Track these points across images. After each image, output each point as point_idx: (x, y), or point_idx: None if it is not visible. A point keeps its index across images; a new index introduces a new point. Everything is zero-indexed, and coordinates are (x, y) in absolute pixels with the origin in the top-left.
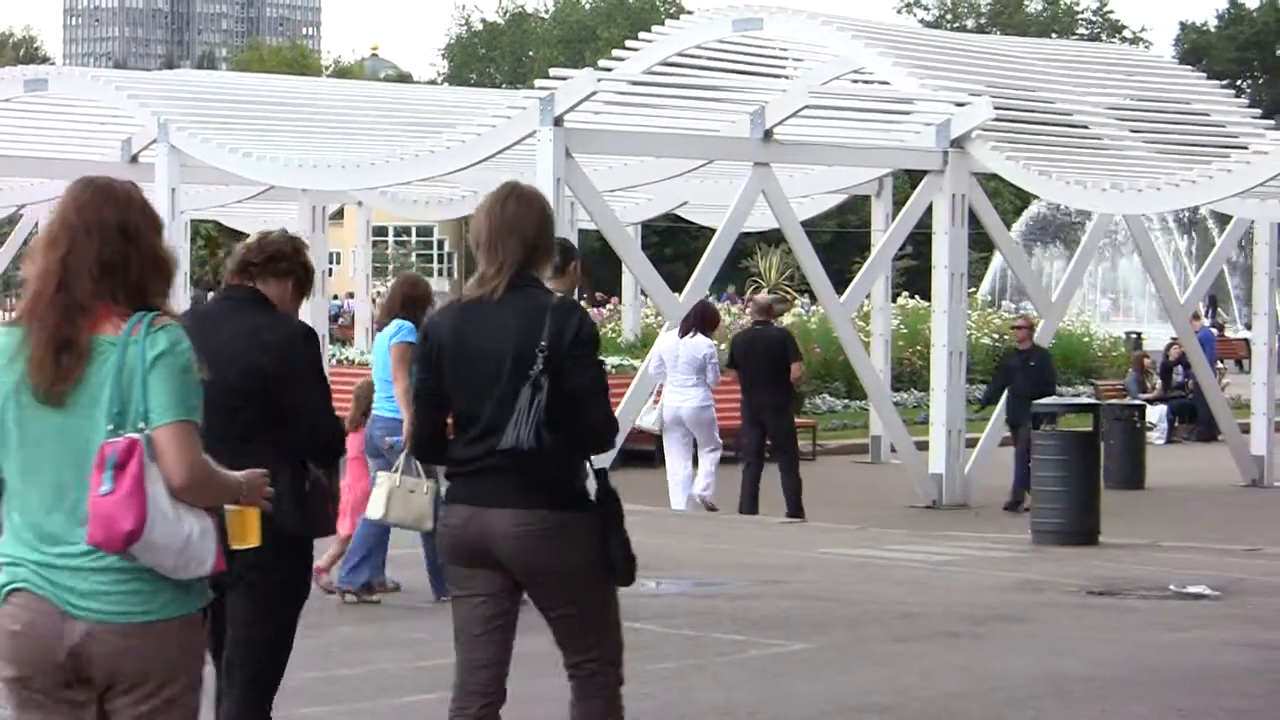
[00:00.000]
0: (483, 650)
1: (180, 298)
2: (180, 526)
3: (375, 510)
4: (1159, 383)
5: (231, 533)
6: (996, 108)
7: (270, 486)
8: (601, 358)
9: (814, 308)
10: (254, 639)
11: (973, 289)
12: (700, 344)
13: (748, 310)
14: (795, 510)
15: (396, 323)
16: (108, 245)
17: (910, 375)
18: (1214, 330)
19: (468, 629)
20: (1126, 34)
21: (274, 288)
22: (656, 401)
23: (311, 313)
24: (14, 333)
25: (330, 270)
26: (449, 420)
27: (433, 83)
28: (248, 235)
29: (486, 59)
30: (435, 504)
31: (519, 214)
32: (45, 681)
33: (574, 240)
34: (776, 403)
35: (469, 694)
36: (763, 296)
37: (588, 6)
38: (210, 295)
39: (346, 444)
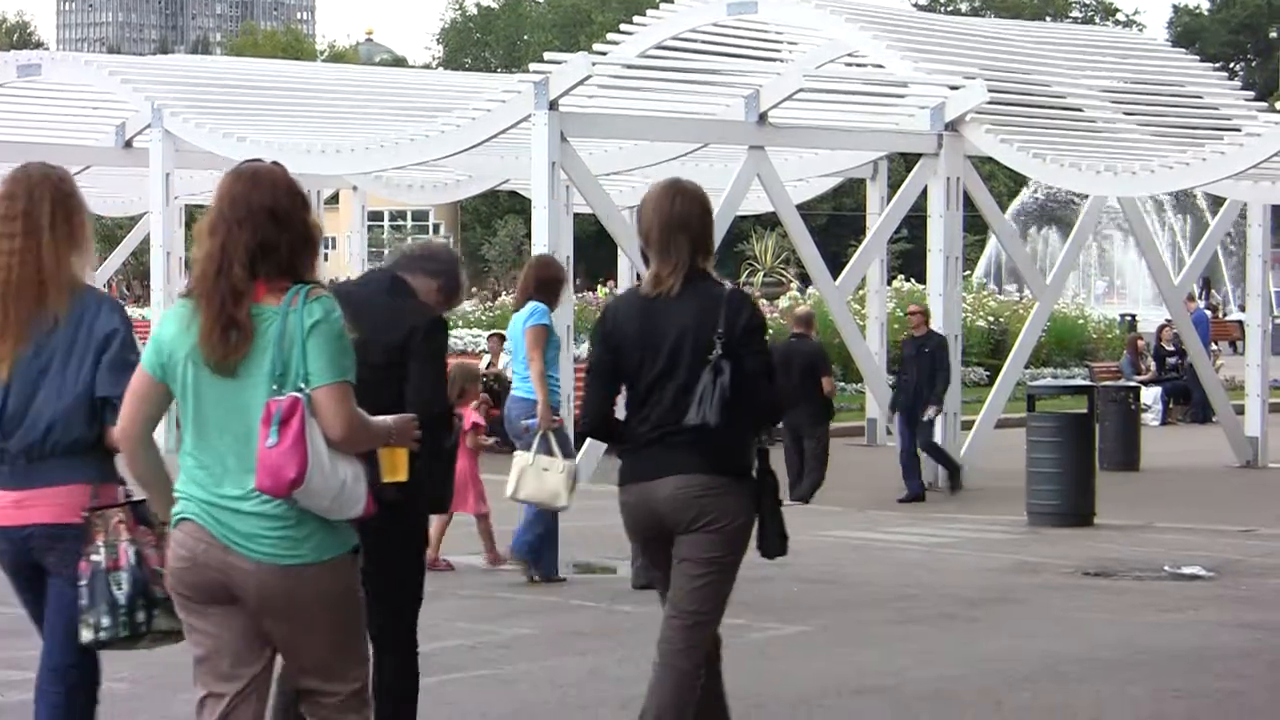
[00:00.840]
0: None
1: (176, 282)
2: (336, 474)
3: (508, 487)
4: (1153, 365)
5: (383, 467)
6: (991, 91)
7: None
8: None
9: (809, 291)
10: (394, 593)
11: (968, 272)
12: None
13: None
14: (804, 497)
15: (530, 305)
16: (259, 230)
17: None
18: (1208, 312)
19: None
20: (1120, 17)
21: (420, 282)
22: None
23: None
24: (187, 304)
25: (326, 256)
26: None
27: (427, 67)
28: None
29: (481, 43)
30: (572, 483)
31: (686, 210)
32: (202, 597)
33: (569, 224)
34: (813, 416)
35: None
36: (802, 309)
37: None
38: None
39: None
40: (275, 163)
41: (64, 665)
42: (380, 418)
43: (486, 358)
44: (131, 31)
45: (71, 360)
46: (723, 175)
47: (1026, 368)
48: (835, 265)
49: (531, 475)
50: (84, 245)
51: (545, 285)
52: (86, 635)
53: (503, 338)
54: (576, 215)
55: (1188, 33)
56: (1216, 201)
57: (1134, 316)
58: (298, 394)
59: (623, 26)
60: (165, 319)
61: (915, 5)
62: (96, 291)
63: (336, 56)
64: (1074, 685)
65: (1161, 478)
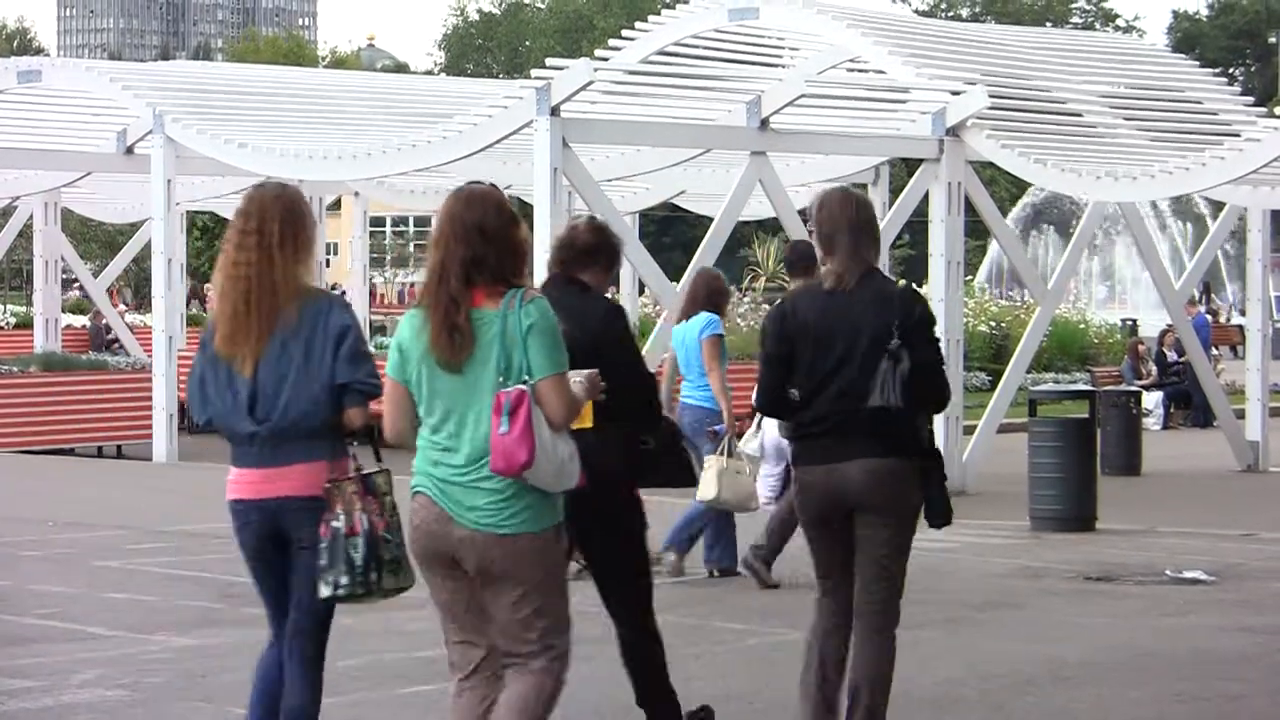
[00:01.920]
0: (846, 584)
1: (176, 288)
2: (557, 453)
3: (707, 492)
4: (1154, 369)
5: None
6: (991, 96)
7: (602, 444)
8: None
9: None
10: (621, 569)
11: (969, 277)
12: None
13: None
14: None
15: (705, 316)
16: (471, 246)
17: None
18: (1209, 317)
19: (827, 565)
20: (1120, 23)
21: (590, 274)
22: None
23: None
24: (419, 313)
25: (328, 261)
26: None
27: (429, 73)
28: None
29: (483, 49)
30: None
31: (867, 216)
32: (434, 562)
33: None
34: None
35: (835, 627)
36: None
37: None
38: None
39: None
40: (491, 185)
41: (310, 627)
42: (573, 383)
43: None
44: (132, 37)
45: (311, 354)
46: (724, 180)
47: (1028, 372)
48: None
49: (728, 480)
50: (313, 255)
51: (714, 296)
52: (325, 591)
53: None
54: None
55: (1187, 38)
56: (1217, 206)
57: (1135, 321)
58: (523, 386)
59: (624, 32)
60: (401, 326)
61: (916, 11)
62: (328, 294)
63: (338, 62)
64: (1076, 689)
65: (1163, 482)
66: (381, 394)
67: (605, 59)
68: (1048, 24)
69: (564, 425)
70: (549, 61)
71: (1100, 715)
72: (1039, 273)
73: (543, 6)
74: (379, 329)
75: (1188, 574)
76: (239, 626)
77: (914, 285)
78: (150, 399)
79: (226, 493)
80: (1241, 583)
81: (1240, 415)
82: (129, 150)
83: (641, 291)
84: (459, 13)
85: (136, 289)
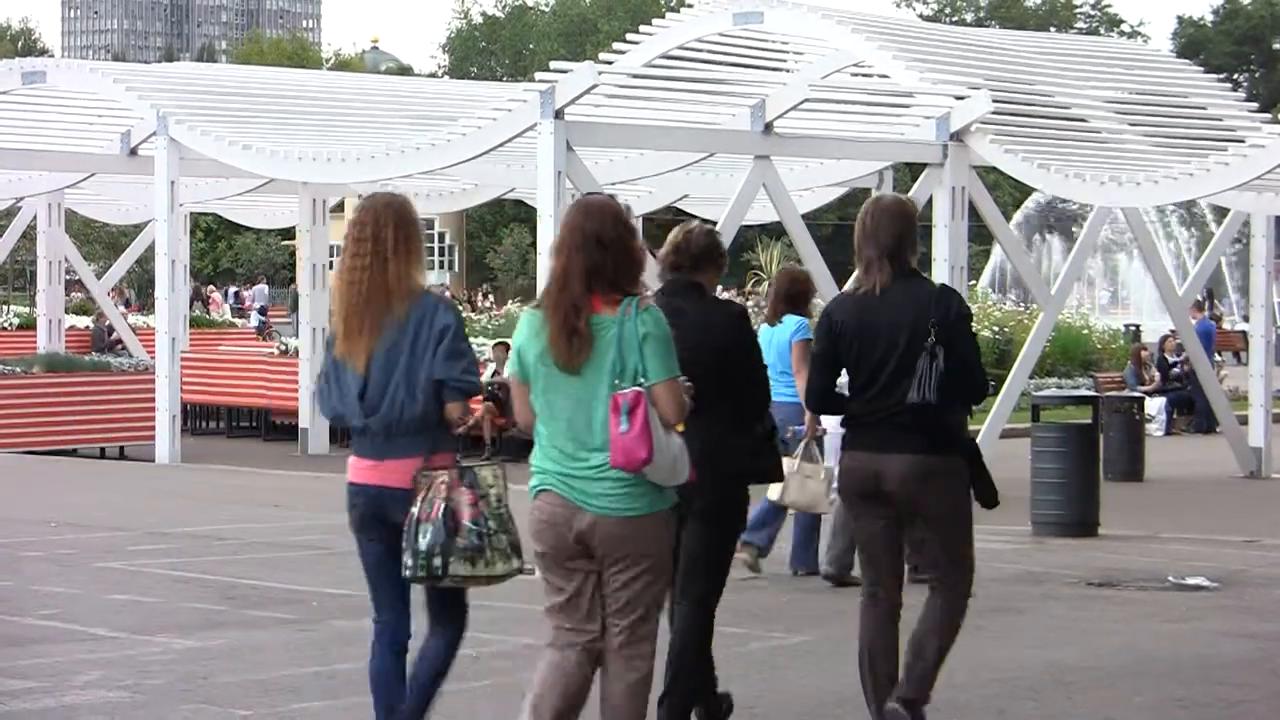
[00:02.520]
0: (888, 563)
1: (180, 289)
2: (671, 449)
3: (774, 492)
4: (1157, 375)
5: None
6: (995, 101)
7: (732, 440)
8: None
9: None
10: (709, 560)
11: (973, 281)
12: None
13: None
14: None
15: (795, 320)
16: (590, 255)
17: None
18: (1212, 322)
19: (870, 546)
20: (1124, 28)
21: (704, 276)
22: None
23: (311, 305)
24: (537, 315)
25: (330, 264)
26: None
27: (433, 76)
28: (248, 228)
29: (487, 52)
30: (829, 488)
31: (911, 223)
32: (560, 555)
33: None
34: None
35: (879, 599)
36: None
37: (588, 0)
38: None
39: None
40: (610, 195)
41: (437, 612)
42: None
43: (491, 366)
44: (136, 39)
45: (417, 352)
46: (728, 185)
47: (1031, 378)
48: (841, 275)
49: (795, 482)
50: (421, 259)
51: (798, 297)
52: (403, 572)
53: (508, 346)
54: None
55: (1192, 44)
56: (1220, 212)
57: (1138, 327)
58: (639, 388)
59: (629, 36)
60: (519, 328)
61: (920, 16)
62: (434, 295)
63: (342, 65)
64: (1078, 695)
65: (1165, 488)
66: (478, 392)
67: (609, 62)
68: (1052, 29)
69: (677, 425)
70: (553, 65)
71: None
72: (1042, 278)
73: (547, 10)
74: None
75: (1190, 580)
76: (241, 628)
77: (747, 298)
78: (153, 400)
79: (348, 474)
80: (1244, 589)
81: (1243, 421)
82: (133, 151)
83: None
84: (463, 15)
85: (139, 290)
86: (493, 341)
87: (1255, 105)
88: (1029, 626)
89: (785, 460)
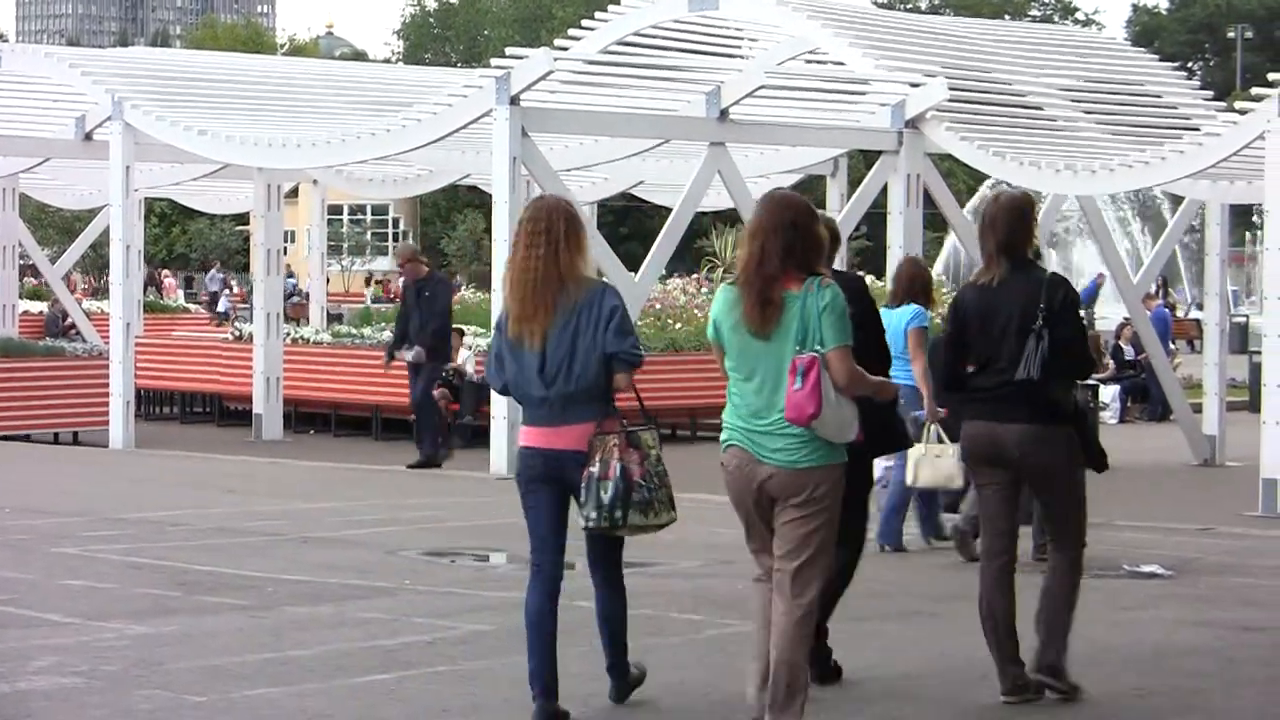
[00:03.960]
0: (1004, 521)
1: (135, 275)
2: (840, 410)
3: (907, 475)
4: (1111, 363)
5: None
6: (951, 88)
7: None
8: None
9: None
10: (851, 518)
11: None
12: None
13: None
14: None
15: (912, 308)
16: (785, 237)
17: None
18: (1167, 310)
19: (988, 507)
20: (1079, 16)
21: (830, 258)
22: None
23: (266, 291)
24: (732, 290)
25: (285, 249)
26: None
27: (388, 61)
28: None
29: (441, 38)
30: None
31: (1028, 218)
32: (745, 500)
33: None
34: None
35: (995, 553)
36: None
37: None
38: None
39: None
40: (794, 190)
41: (599, 555)
42: (871, 376)
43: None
44: (91, 24)
45: (590, 330)
46: (683, 171)
47: None
48: None
49: (926, 463)
50: (587, 251)
51: (914, 284)
52: (582, 523)
53: (462, 333)
54: None
55: (1146, 32)
56: (1175, 201)
57: (1092, 314)
58: (815, 354)
59: (584, 22)
60: (716, 300)
61: (875, 3)
62: (601, 281)
63: (297, 50)
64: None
65: (1120, 476)
66: (642, 363)
67: (565, 49)
68: (1006, 17)
69: (846, 388)
70: (509, 51)
71: (1058, 709)
72: None
73: None
74: (335, 318)
75: (1145, 568)
76: (195, 614)
77: (1060, 273)
78: (107, 386)
79: (519, 440)
80: (1198, 577)
81: (1197, 409)
82: (88, 136)
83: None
84: (416, 2)
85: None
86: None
87: (1210, 94)
88: None
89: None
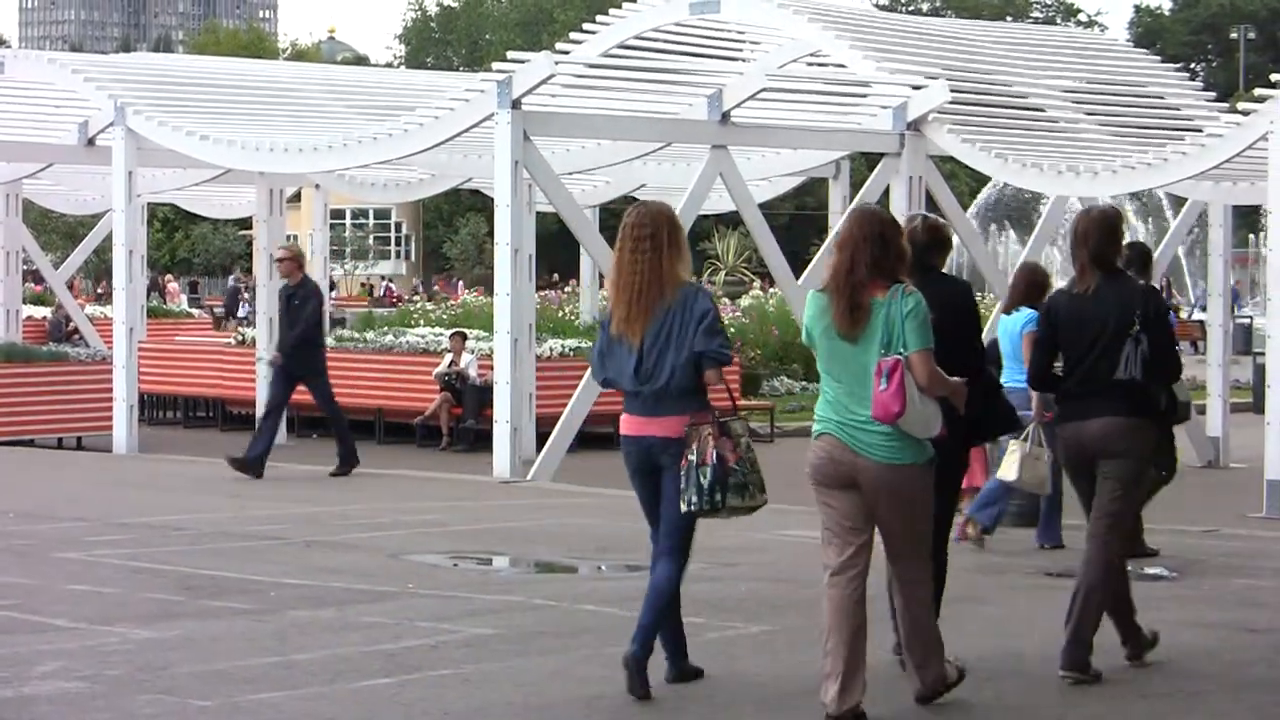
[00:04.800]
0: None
1: (137, 280)
2: (924, 408)
3: (1009, 473)
4: None
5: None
6: (953, 91)
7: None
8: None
9: (772, 290)
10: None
11: None
12: None
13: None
14: None
15: (1027, 312)
16: (873, 248)
17: None
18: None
19: (1086, 505)
20: (1081, 17)
21: (934, 258)
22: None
23: (268, 296)
24: (822, 296)
25: None
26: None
27: (390, 66)
28: (205, 218)
29: (443, 42)
30: (1052, 471)
31: (1088, 228)
32: (833, 483)
33: (531, 223)
34: None
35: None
36: None
37: None
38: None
39: None
40: (879, 205)
41: (672, 530)
42: (950, 377)
43: (448, 357)
44: (94, 29)
45: (683, 331)
46: (685, 174)
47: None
48: (797, 264)
49: (1028, 463)
50: (686, 256)
51: (1031, 289)
52: (684, 506)
53: (464, 336)
54: (539, 214)
55: (1149, 33)
56: (1178, 202)
57: None
58: (899, 356)
59: (585, 25)
60: (807, 305)
61: (876, 5)
62: (696, 284)
63: (299, 55)
64: (1038, 685)
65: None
66: (730, 361)
67: (566, 52)
68: (1008, 18)
69: (927, 389)
70: (510, 55)
71: (1061, 711)
72: (999, 268)
73: (503, 0)
74: (338, 322)
75: (1149, 570)
76: (199, 619)
77: (704, 286)
78: (111, 391)
79: (621, 428)
80: (1203, 579)
81: (1201, 411)
82: (90, 142)
83: (601, 285)
84: (417, 6)
85: (96, 280)
86: (449, 331)
87: (1212, 95)
88: (989, 617)
89: (1015, 443)
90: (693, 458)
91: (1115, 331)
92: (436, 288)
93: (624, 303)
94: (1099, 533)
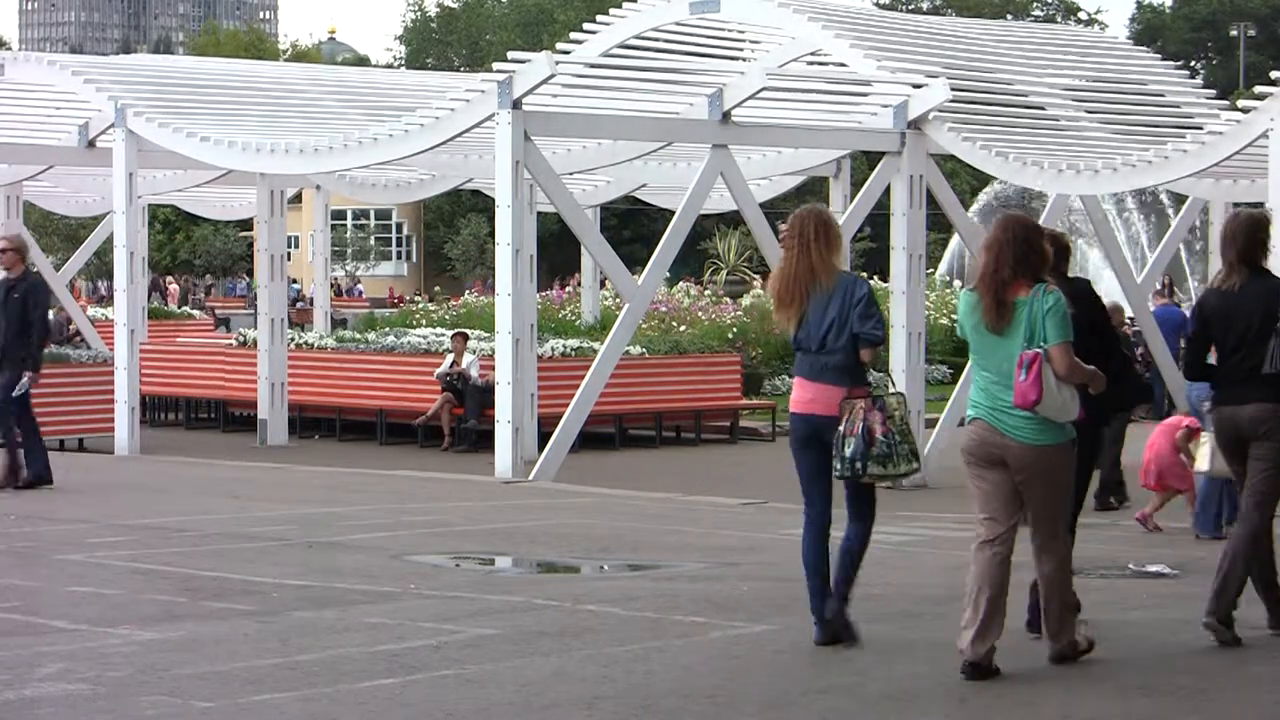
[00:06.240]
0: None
1: (139, 281)
2: (1060, 396)
3: (1203, 464)
4: None
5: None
6: (953, 89)
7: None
8: None
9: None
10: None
11: (931, 270)
12: None
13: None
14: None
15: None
16: (1016, 250)
17: None
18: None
19: (1240, 479)
20: (1081, 15)
21: (1063, 266)
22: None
23: (270, 296)
24: (973, 294)
25: (289, 255)
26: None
27: (390, 66)
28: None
29: (443, 43)
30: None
31: (1236, 230)
32: (983, 463)
33: (533, 223)
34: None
35: (1251, 525)
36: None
37: None
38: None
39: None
40: (1024, 214)
41: (854, 510)
42: (1086, 366)
43: (450, 357)
44: (94, 31)
45: (840, 314)
46: (686, 174)
47: None
48: None
49: (1218, 453)
50: (839, 248)
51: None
52: (833, 474)
53: (466, 336)
54: (540, 214)
55: (1149, 30)
56: (1179, 200)
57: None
58: (1038, 349)
59: (585, 25)
60: (960, 303)
61: (877, 4)
62: (853, 274)
63: (299, 56)
64: (1039, 682)
65: (1126, 475)
66: (883, 342)
67: (567, 52)
68: (1009, 17)
69: (1065, 378)
70: (510, 55)
71: (1064, 709)
72: None
73: (503, 0)
74: (340, 323)
75: (1151, 568)
76: (200, 620)
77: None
78: (112, 392)
79: (790, 407)
80: (1205, 576)
81: None
82: (91, 144)
83: (603, 285)
84: (417, 7)
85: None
86: (450, 332)
87: (1213, 92)
88: None
89: (1207, 434)
90: (842, 428)
91: (1261, 325)
92: (473, 291)
93: (778, 291)
94: (1250, 508)
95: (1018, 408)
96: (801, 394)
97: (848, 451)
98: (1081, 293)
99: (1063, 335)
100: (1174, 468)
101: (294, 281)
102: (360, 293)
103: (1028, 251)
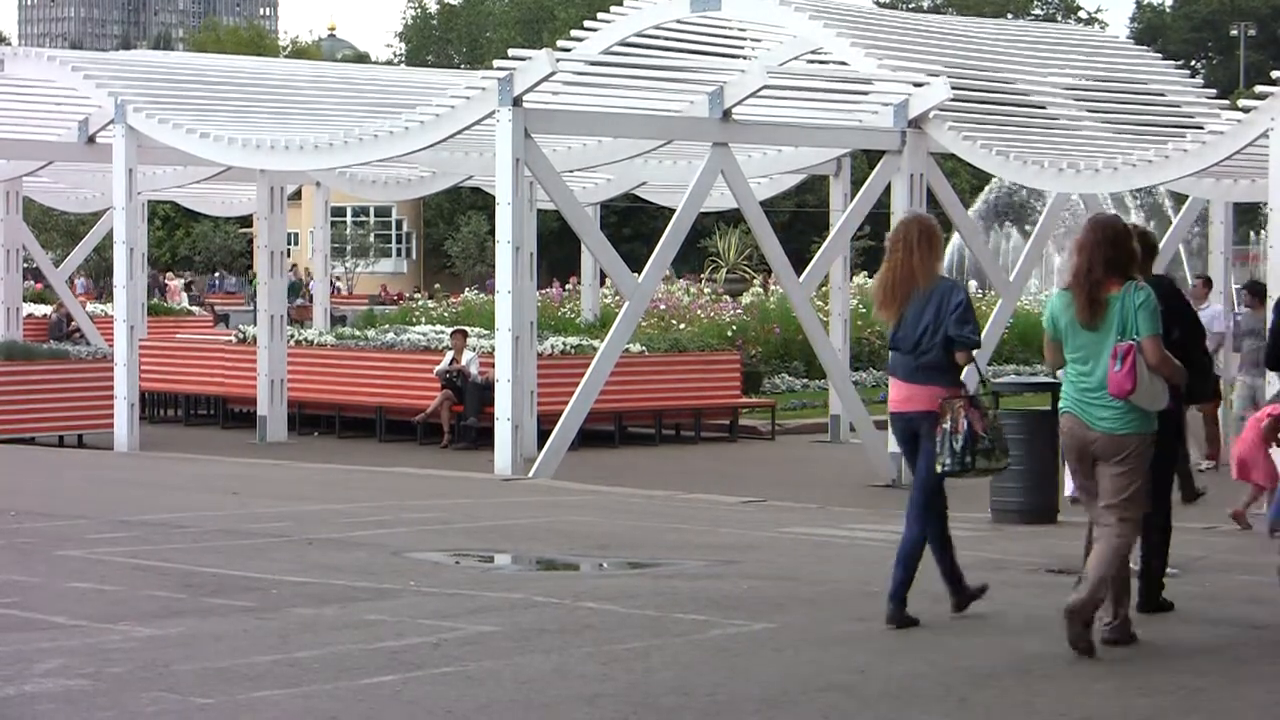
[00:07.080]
0: None
1: (138, 277)
2: (1152, 385)
3: None
4: None
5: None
6: (954, 88)
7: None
8: None
9: (773, 287)
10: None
11: None
12: None
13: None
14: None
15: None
16: (1106, 250)
17: (869, 354)
18: None
19: None
20: (1082, 14)
21: (1149, 265)
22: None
23: (269, 293)
24: (1066, 293)
25: (289, 251)
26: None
27: (390, 63)
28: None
29: (444, 40)
30: None
31: None
32: (1077, 453)
33: (533, 220)
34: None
35: None
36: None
37: None
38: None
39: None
40: (1115, 215)
41: (921, 486)
42: (1175, 360)
43: (449, 354)
44: (94, 27)
45: (937, 317)
46: (686, 172)
47: (990, 365)
48: (799, 262)
49: None
50: (939, 255)
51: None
52: (938, 468)
53: (465, 334)
54: (540, 211)
55: (1150, 29)
56: (1179, 199)
57: None
58: (1132, 342)
59: (586, 23)
60: (1053, 300)
61: (878, 3)
62: (952, 280)
63: (299, 52)
64: (1039, 683)
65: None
66: (978, 346)
67: (567, 50)
68: (1009, 16)
69: (1156, 369)
70: (511, 52)
71: (1063, 708)
72: (1001, 265)
73: None
74: (339, 319)
75: None
76: (200, 616)
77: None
78: (112, 388)
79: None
80: (1204, 576)
81: None
82: (90, 139)
83: (603, 283)
84: (418, 4)
85: (96, 278)
86: (450, 329)
87: (1213, 92)
88: (989, 614)
89: None
90: (946, 426)
91: None
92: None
93: (877, 297)
94: None
95: (1114, 397)
96: (896, 393)
97: (957, 447)
98: (1166, 289)
99: (1153, 329)
100: (1259, 461)
101: (294, 266)
102: (350, 291)
103: (1118, 252)
